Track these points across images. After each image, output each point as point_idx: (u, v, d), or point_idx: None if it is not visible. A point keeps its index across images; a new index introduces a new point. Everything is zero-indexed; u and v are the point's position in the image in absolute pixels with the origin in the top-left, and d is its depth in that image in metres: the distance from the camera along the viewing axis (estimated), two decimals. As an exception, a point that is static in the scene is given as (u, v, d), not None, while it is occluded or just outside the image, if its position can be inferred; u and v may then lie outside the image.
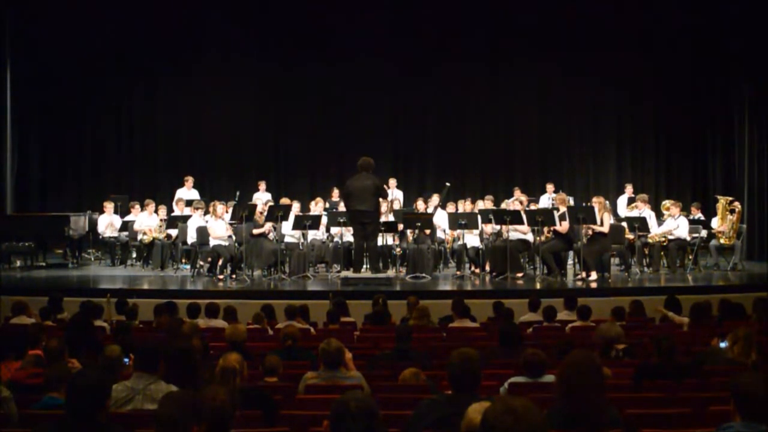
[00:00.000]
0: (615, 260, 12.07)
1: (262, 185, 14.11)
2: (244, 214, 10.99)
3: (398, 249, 11.79)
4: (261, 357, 5.17)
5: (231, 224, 11.53)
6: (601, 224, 10.74)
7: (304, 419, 4.12)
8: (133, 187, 15.37)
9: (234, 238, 11.52)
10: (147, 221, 12.65)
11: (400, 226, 11.69)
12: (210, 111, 15.81)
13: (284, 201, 12.42)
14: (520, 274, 11.10)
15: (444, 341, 6.76)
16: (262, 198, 13.05)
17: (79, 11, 14.76)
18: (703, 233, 12.59)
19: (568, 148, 16.15)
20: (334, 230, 12.12)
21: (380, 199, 10.85)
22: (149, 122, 16.12)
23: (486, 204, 12.48)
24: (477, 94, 15.85)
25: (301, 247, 11.88)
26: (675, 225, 11.95)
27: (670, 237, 11.99)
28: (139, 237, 12.60)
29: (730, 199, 12.82)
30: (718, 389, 4.47)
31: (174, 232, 12.38)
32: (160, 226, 12.55)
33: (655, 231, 12.03)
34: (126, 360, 4.85)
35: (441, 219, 12.12)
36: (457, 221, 11.60)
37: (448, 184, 12.99)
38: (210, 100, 15.78)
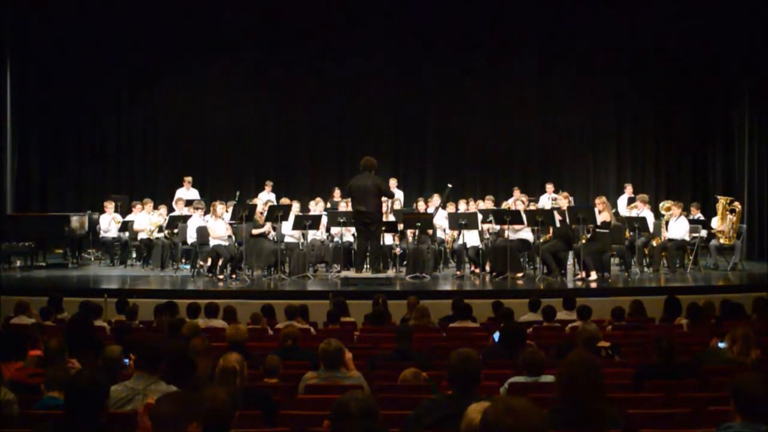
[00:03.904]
0: (615, 260, 12.08)
1: (269, 186, 14.10)
2: (244, 214, 10.99)
3: (398, 249, 11.79)
4: (261, 357, 5.17)
5: (231, 224, 11.53)
6: (599, 223, 10.74)
7: (304, 419, 4.12)
8: (133, 187, 15.38)
9: (234, 238, 11.52)
10: (145, 220, 12.65)
11: (400, 226, 11.69)
12: (210, 111, 15.83)
13: (284, 201, 12.42)
14: (520, 274, 11.10)
15: (444, 341, 6.75)
16: (263, 198, 13.04)
17: (79, 11, 14.76)
18: (703, 233, 12.59)
19: (568, 148, 16.14)
20: (334, 230, 12.12)
21: (383, 198, 10.83)
22: (149, 122, 16.12)
23: (486, 204, 12.48)
24: (477, 94, 15.84)
25: (301, 247, 11.88)
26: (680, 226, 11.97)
27: (670, 237, 12.00)
28: (140, 236, 12.61)
29: (730, 199, 12.83)
30: (718, 389, 4.47)
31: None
32: (164, 221, 12.53)
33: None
34: (126, 360, 4.85)
35: (441, 219, 12.13)
36: (457, 221, 11.60)
37: (449, 185, 12.99)
38: (210, 100, 15.81)
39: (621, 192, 14.27)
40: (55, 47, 14.86)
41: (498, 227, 11.56)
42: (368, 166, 10.59)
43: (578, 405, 3.23)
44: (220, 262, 11.19)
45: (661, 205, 13.22)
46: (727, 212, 12.52)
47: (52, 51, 14.88)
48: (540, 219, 11.00)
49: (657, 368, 4.95)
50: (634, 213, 12.23)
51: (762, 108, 14.01)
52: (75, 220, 12.90)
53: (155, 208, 13.03)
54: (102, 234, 13.06)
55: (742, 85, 14.42)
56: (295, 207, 12.12)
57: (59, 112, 15.33)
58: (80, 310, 7.63)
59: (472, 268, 12.02)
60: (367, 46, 15.56)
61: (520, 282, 10.88)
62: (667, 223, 12.28)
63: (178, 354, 4.32)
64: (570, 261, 11.71)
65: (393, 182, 13.48)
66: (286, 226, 11.75)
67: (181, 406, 2.79)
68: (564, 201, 11.62)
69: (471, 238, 11.85)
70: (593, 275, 10.71)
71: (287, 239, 11.93)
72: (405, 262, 11.60)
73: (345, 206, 12.30)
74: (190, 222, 11.74)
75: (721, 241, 12.43)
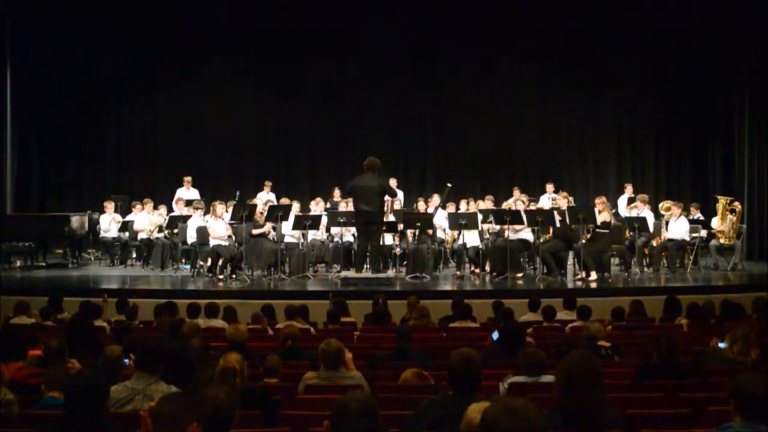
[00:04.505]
0: (615, 260, 12.08)
1: (267, 186, 14.08)
2: (244, 214, 10.98)
3: (398, 249, 11.79)
4: (261, 357, 5.17)
5: (231, 224, 11.53)
6: (599, 223, 10.74)
7: (304, 419, 4.12)
8: (133, 187, 15.37)
9: (234, 238, 11.52)
10: (145, 220, 12.65)
11: (400, 226, 11.69)
12: (210, 111, 15.81)
13: (284, 201, 12.42)
14: (520, 274, 11.10)
15: (444, 341, 6.75)
16: (263, 198, 13.05)
17: (80, 11, 14.76)
18: (703, 233, 12.59)
19: (568, 148, 16.14)
20: (334, 230, 12.11)
21: (386, 199, 10.84)
22: (149, 122, 16.12)
23: (486, 204, 12.49)
24: (477, 94, 15.83)
25: (301, 247, 11.88)
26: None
27: (670, 237, 12.01)
28: (140, 236, 12.61)
29: (730, 199, 12.84)
30: (718, 389, 4.47)
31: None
32: (164, 221, 12.53)
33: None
34: (126, 360, 4.85)
35: (441, 219, 12.13)
36: (457, 221, 11.60)
37: (449, 185, 12.99)
38: (210, 100, 15.78)
39: (621, 192, 14.28)
40: (55, 47, 14.86)
41: (498, 227, 11.56)
42: (372, 167, 10.59)
43: (578, 405, 3.23)
44: (220, 262, 11.19)
45: (661, 205, 13.22)
46: (727, 212, 12.53)
47: (52, 51, 14.87)
48: (540, 219, 11.00)
49: (657, 368, 4.95)
50: (634, 213, 12.24)
51: (762, 108, 14.00)
52: (75, 220, 12.89)
53: (155, 208, 13.03)
54: (102, 234, 13.07)
55: (742, 85, 14.42)
56: (295, 207, 12.12)
57: (59, 113, 15.32)
58: (80, 310, 7.63)
59: (472, 268, 12.02)
60: (367, 46, 15.56)
61: (520, 282, 10.88)
62: (667, 223, 12.28)
63: (178, 354, 4.32)
64: (570, 261, 11.71)
65: (393, 182, 13.48)
66: (286, 226, 11.74)
67: (181, 406, 2.79)
68: (563, 201, 11.61)
69: (471, 238, 11.85)
70: (593, 275, 10.71)
71: (287, 239, 11.93)
72: (405, 262, 11.59)
73: (345, 206, 12.30)
74: (190, 222, 11.74)
75: (721, 241, 12.43)
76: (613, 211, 12.31)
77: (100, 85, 15.48)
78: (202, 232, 11.42)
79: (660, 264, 11.98)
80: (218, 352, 5.06)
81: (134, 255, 13.19)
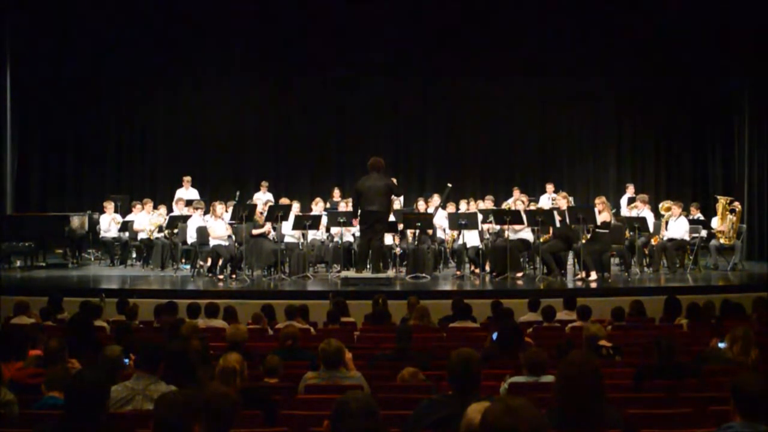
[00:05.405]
0: (615, 260, 12.08)
1: (264, 186, 14.07)
2: (244, 214, 10.99)
3: (398, 249, 11.79)
4: (261, 357, 5.18)
5: (231, 224, 11.54)
6: (599, 223, 10.74)
7: (304, 419, 4.12)
8: (133, 187, 15.37)
9: (234, 238, 11.52)
10: (145, 220, 12.66)
11: (400, 226, 11.69)
12: (210, 111, 15.81)
13: (284, 201, 12.42)
14: (520, 274, 11.11)
15: (444, 341, 6.75)
16: (262, 198, 13.05)
17: (80, 11, 14.76)
18: (703, 233, 12.60)
19: (568, 149, 16.14)
20: (334, 230, 12.12)
21: (392, 198, 10.84)
22: (149, 122, 16.11)
23: (486, 204, 12.49)
24: (477, 94, 15.82)
25: (301, 247, 11.88)
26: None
27: (670, 237, 12.01)
28: (140, 236, 12.62)
29: (730, 199, 12.83)
30: (718, 389, 4.47)
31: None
32: (164, 221, 12.53)
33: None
34: (126, 360, 4.85)
35: (441, 219, 12.13)
36: (457, 221, 11.60)
37: (449, 185, 12.99)
38: (211, 99, 15.78)
39: (621, 192, 14.28)
40: (55, 47, 14.85)
41: (498, 227, 11.56)
42: (377, 167, 10.60)
43: (578, 405, 3.23)
44: (220, 262, 11.19)
45: (661, 205, 13.21)
46: (727, 212, 12.52)
47: (53, 51, 14.87)
48: (540, 219, 11.00)
49: (657, 368, 4.95)
50: (634, 213, 12.25)
51: (762, 108, 14.00)
52: (75, 220, 12.90)
53: (155, 208, 13.04)
54: (102, 234, 13.07)
55: (742, 85, 14.41)
56: (295, 207, 12.12)
57: (59, 112, 15.30)
58: (80, 310, 7.63)
59: (472, 268, 12.02)
60: (367, 46, 15.56)
61: (520, 282, 10.88)
62: (666, 223, 12.29)
63: (178, 354, 4.32)
64: (570, 261, 11.71)
65: (393, 182, 13.47)
66: (286, 226, 11.75)
67: (181, 406, 2.80)
68: (563, 201, 11.61)
69: (471, 238, 11.85)
70: (593, 275, 10.71)
71: (287, 239, 11.93)
72: (405, 262, 11.59)
73: (345, 206, 12.30)
74: (190, 222, 11.74)
75: (721, 241, 12.42)
76: (614, 210, 12.31)
77: (100, 85, 15.47)
78: (202, 232, 11.42)
79: (660, 264, 11.97)
80: (218, 352, 5.06)
81: (134, 255, 13.19)
